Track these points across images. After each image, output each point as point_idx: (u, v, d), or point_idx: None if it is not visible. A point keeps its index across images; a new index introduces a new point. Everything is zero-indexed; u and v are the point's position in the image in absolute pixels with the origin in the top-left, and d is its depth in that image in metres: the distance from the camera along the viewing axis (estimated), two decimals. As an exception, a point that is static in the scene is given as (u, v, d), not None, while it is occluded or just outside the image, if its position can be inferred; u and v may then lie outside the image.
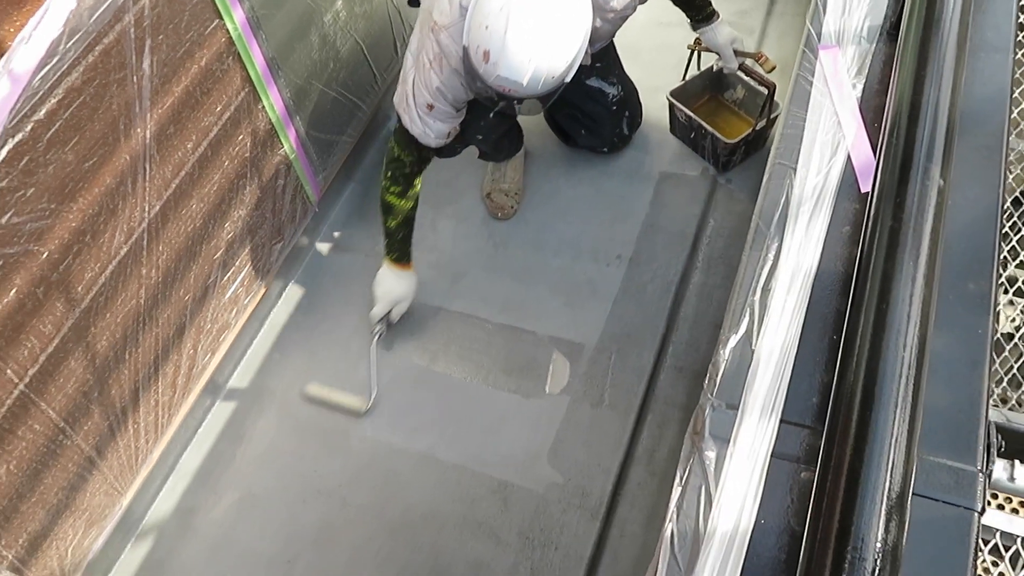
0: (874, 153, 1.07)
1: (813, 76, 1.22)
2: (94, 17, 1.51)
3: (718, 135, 2.42)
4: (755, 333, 1.00)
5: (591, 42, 1.86)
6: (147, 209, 1.77)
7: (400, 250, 2.20)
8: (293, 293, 2.45)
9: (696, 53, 2.51)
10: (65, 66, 1.48)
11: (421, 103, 1.95)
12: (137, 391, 1.89)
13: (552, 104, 2.45)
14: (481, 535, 2.03)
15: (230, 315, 2.19)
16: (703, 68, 2.55)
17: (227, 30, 1.86)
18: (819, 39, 1.28)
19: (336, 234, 2.56)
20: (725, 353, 0.98)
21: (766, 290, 1.03)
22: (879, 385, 0.72)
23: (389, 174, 2.08)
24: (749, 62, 2.45)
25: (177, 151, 1.82)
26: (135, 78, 1.65)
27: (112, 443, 1.86)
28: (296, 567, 2.03)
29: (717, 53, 2.44)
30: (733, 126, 2.60)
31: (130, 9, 1.59)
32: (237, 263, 2.14)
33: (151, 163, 1.75)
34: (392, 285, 2.23)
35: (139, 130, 1.70)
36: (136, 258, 1.78)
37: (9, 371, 1.54)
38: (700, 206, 2.52)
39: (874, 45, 1.25)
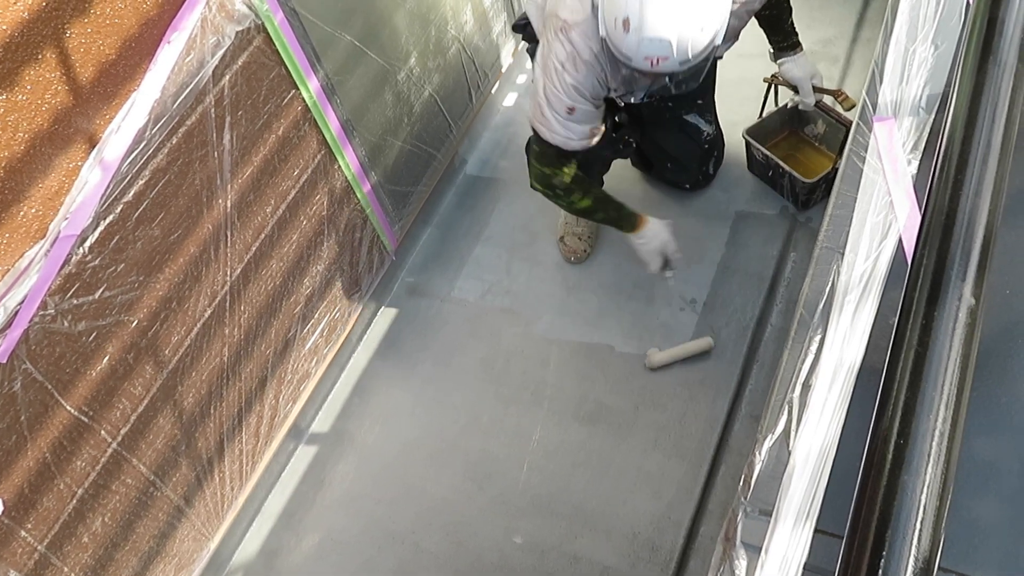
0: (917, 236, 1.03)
1: (866, 152, 1.19)
2: (177, 103, 1.62)
3: (796, 174, 2.36)
4: (793, 433, 0.97)
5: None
6: (229, 273, 1.88)
7: (620, 210, 2.19)
8: (372, 339, 2.53)
9: (773, 87, 2.46)
10: (151, 150, 1.60)
11: (560, 108, 1.94)
12: (222, 442, 2.01)
13: (644, 132, 2.45)
14: (550, 587, 2.05)
15: (310, 364, 2.28)
16: (780, 103, 2.49)
17: (303, 99, 1.95)
18: (875, 110, 1.23)
19: (412, 280, 2.64)
20: (761, 454, 0.96)
21: (806, 386, 1.01)
22: (899, 499, 0.69)
23: (562, 192, 2.09)
24: (828, 99, 2.38)
25: (257, 216, 1.92)
26: (216, 153, 1.76)
27: (199, 492, 1.98)
28: (371, 612, 2.10)
29: (795, 88, 2.38)
30: (814, 162, 2.52)
31: (210, 91, 1.70)
32: (316, 315, 2.24)
33: (232, 230, 1.86)
34: (649, 250, 2.23)
35: (220, 201, 1.81)
36: (219, 319, 1.89)
37: (103, 432, 1.67)
38: (778, 246, 2.46)
39: (932, 116, 1.20)
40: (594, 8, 1.82)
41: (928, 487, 0.68)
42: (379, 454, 2.33)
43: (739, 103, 2.64)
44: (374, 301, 2.52)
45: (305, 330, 2.21)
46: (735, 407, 2.23)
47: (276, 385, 2.16)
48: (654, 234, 2.22)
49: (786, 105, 2.47)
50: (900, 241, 1.07)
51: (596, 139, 2.06)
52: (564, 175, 2.08)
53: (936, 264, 0.80)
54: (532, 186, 2.18)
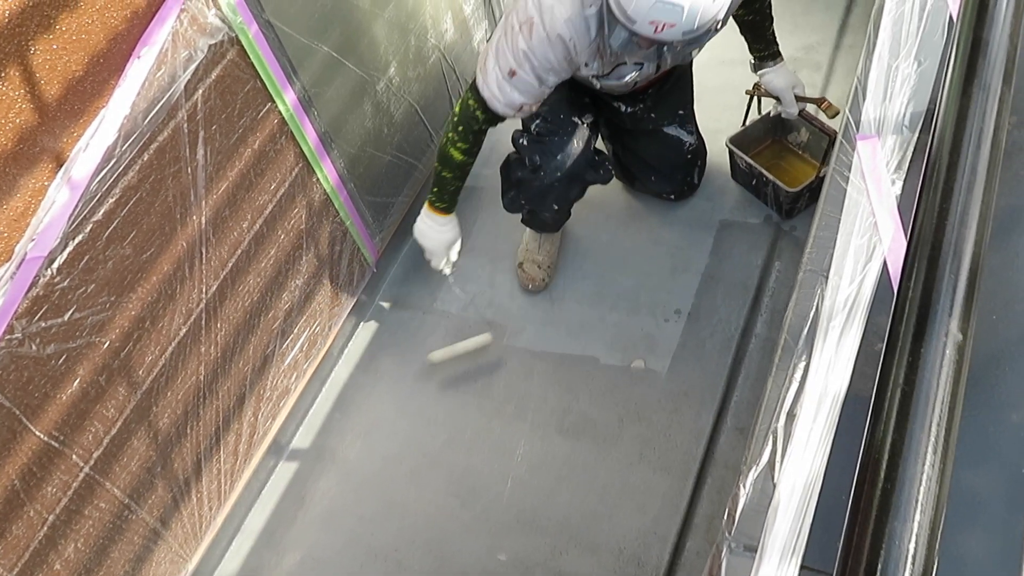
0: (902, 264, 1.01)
1: (850, 171, 1.17)
2: (148, 119, 1.58)
3: (779, 183, 2.34)
4: (778, 464, 0.95)
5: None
6: (204, 290, 1.84)
7: (450, 201, 2.19)
8: (353, 352, 2.50)
9: (756, 98, 2.44)
10: (122, 167, 1.56)
11: (504, 66, 1.88)
12: (200, 462, 1.97)
13: (625, 145, 2.42)
14: (535, 604, 2.02)
15: (290, 380, 2.25)
16: (763, 112, 2.48)
17: (279, 112, 1.91)
18: (858, 128, 1.21)
19: (394, 292, 2.60)
20: (745, 486, 0.94)
21: (791, 416, 0.99)
22: (887, 548, 0.67)
23: (460, 128, 2.02)
24: (811, 108, 2.37)
25: (233, 231, 1.89)
26: (190, 169, 1.72)
27: (176, 513, 1.94)
28: (353, 632, 2.06)
29: (777, 98, 2.36)
30: (798, 170, 2.51)
31: (183, 106, 1.66)
32: (296, 330, 2.20)
33: (207, 246, 1.82)
34: (439, 233, 2.23)
35: (195, 217, 1.77)
36: (195, 337, 1.85)
37: (75, 456, 1.63)
38: (763, 255, 2.44)
39: (916, 135, 1.18)
40: None
41: (916, 534, 0.66)
42: (361, 470, 2.30)
43: (721, 111, 2.62)
44: (355, 314, 2.49)
45: (284, 345, 2.18)
46: (720, 419, 2.21)
47: (255, 402, 2.12)
48: (439, 231, 2.22)
49: (769, 113, 2.45)
50: (885, 264, 1.05)
51: (520, 114, 2.01)
52: (479, 120, 2.01)
53: (922, 297, 0.78)
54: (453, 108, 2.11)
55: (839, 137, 1.23)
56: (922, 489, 0.66)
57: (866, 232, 1.09)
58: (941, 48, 1.24)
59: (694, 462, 2.15)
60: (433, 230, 2.23)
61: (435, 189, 2.17)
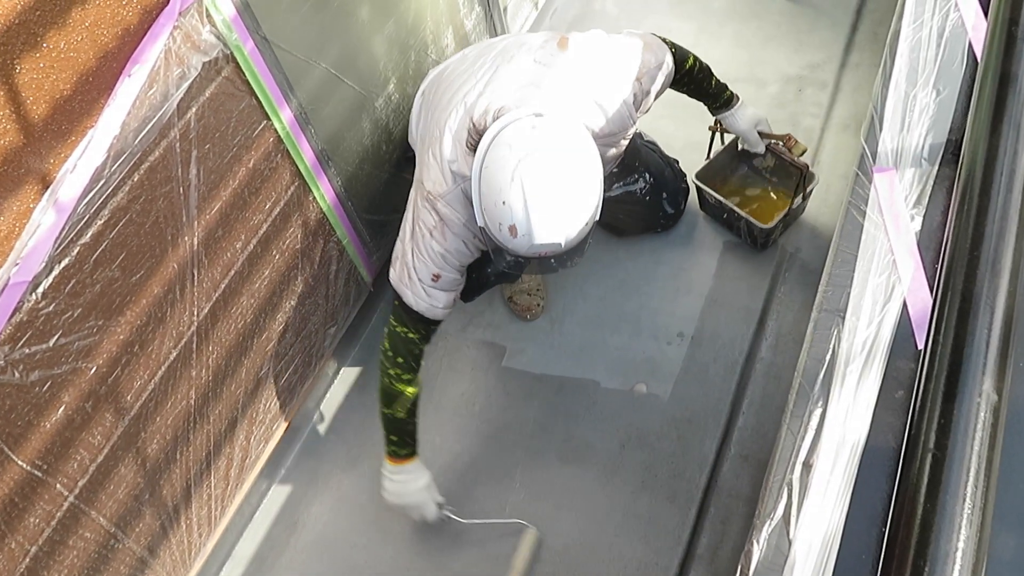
0: (932, 301, 0.96)
1: (866, 205, 1.12)
2: (139, 138, 1.53)
3: (752, 220, 2.29)
4: (793, 519, 0.90)
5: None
6: (196, 312, 1.79)
7: (413, 443, 1.97)
8: (348, 375, 2.45)
9: (718, 133, 2.38)
10: (111, 189, 1.51)
11: (425, 276, 1.84)
12: (189, 488, 1.91)
13: None
14: (533, 637, 1.96)
15: (284, 402, 2.19)
16: (727, 142, 2.40)
17: (275, 130, 1.87)
18: (874, 160, 1.17)
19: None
20: (759, 542, 0.89)
21: (807, 466, 0.94)
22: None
23: (400, 360, 1.88)
24: (777, 144, 2.32)
25: (226, 252, 1.84)
26: (182, 189, 1.67)
27: (165, 541, 1.88)
28: (346, 664, 2.01)
29: (740, 137, 2.32)
30: (767, 199, 2.45)
31: (176, 124, 1.61)
32: (290, 352, 2.15)
33: (199, 268, 1.77)
34: (416, 482, 1.98)
35: (187, 238, 1.72)
36: (186, 361, 1.80)
37: (59, 485, 1.57)
38: (767, 278, 2.40)
39: (936, 168, 1.13)
40: (455, 178, 1.77)
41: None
42: (355, 495, 2.24)
43: (683, 147, 2.54)
44: (351, 335, 2.43)
45: (278, 367, 2.12)
46: (724, 446, 2.16)
47: (247, 425, 2.07)
48: (417, 486, 1.97)
49: (734, 141, 2.40)
50: (904, 304, 1.00)
51: (450, 310, 1.93)
52: (416, 343, 1.90)
53: (952, 353, 0.73)
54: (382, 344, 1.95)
55: (855, 169, 1.19)
56: (958, 567, 0.61)
57: (884, 270, 1.04)
58: (960, 77, 1.19)
59: (697, 490, 2.10)
60: (408, 483, 1.97)
61: (393, 438, 1.94)
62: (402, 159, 2.36)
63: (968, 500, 0.63)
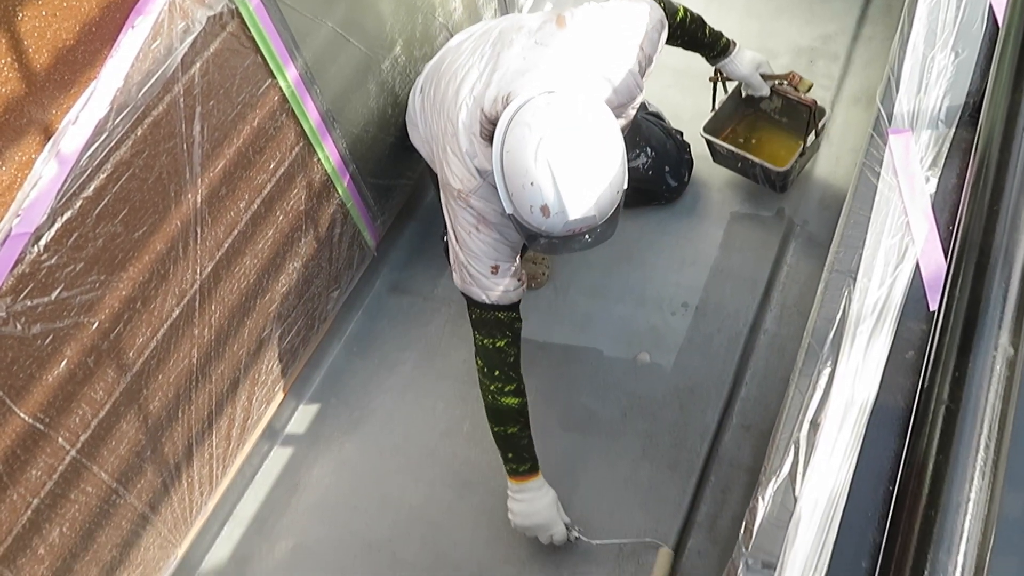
0: (946, 264, 0.95)
1: (881, 167, 1.10)
2: (143, 92, 1.51)
3: (768, 165, 2.26)
4: (799, 476, 0.90)
5: None
6: (199, 271, 1.78)
7: (532, 457, 1.90)
8: (351, 338, 2.44)
9: (720, 82, 2.35)
10: (114, 142, 1.49)
11: (485, 271, 1.80)
12: (191, 446, 1.91)
13: None
14: (531, 601, 1.97)
15: (286, 364, 2.19)
16: (730, 89, 2.36)
17: (280, 88, 1.85)
18: (889, 121, 1.15)
19: (394, 277, 2.54)
20: (764, 500, 0.89)
21: (815, 425, 0.93)
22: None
23: (497, 374, 1.82)
24: (782, 84, 2.28)
25: (229, 211, 1.82)
26: (185, 145, 1.66)
27: (166, 498, 1.89)
28: (345, 624, 2.02)
29: (744, 83, 2.28)
30: (778, 140, 2.41)
31: (180, 79, 1.59)
32: (293, 314, 2.14)
33: (203, 225, 1.76)
34: (542, 499, 1.90)
35: (190, 195, 1.70)
36: (188, 319, 1.79)
37: (61, 439, 1.57)
38: (773, 250, 2.38)
39: (953, 130, 1.11)
40: (480, 173, 1.73)
41: (963, 566, 0.60)
42: (356, 458, 2.25)
43: (685, 96, 2.51)
44: (354, 299, 2.43)
45: (281, 329, 2.12)
46: (726, 416, 2.16)
47: (249, 387, 2.07)
48: (545, 503, 1.90)
49: (737, 88, 2.36)
50: (917, 266, 0.99)
51: (522, 284, 1.88)
52: (508, 352, 1.85)
53: (968, 306, 0.72)
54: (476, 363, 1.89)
55: (869, 130, 1.17)
56: (968, 517, 0.60)
57: (897, 232, 1.03)
58: (980, 39, 1.17)
59: (698, 459, 2.10)
60: (534, 502, 1.89)
61: (509, 456, 1.89)
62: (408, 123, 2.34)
63: (981, 451, 0.62)
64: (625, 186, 1.65)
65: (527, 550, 2.03)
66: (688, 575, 1.96)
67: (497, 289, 1.82)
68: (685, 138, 2.47)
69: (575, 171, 1.55)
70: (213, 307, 1.85)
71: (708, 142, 2.36)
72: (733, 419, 2.15)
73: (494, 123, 1.67)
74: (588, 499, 2.08)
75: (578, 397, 2.23)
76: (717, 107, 2.36)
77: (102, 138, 1.46)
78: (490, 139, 1.68)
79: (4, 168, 1.33)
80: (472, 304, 1.86)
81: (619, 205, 1.65)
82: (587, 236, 1.65)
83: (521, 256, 2.29)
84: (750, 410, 2.16)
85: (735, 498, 2.04)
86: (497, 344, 1.84)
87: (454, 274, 1.90)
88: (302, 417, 2.33)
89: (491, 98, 1.72)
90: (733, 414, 2.16)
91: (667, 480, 2.08)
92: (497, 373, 1.83)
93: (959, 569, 0.59)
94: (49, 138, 1.39)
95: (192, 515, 2.00)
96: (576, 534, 1.94)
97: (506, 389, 1.84)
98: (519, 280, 1.87)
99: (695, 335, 2.28)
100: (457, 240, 1.83)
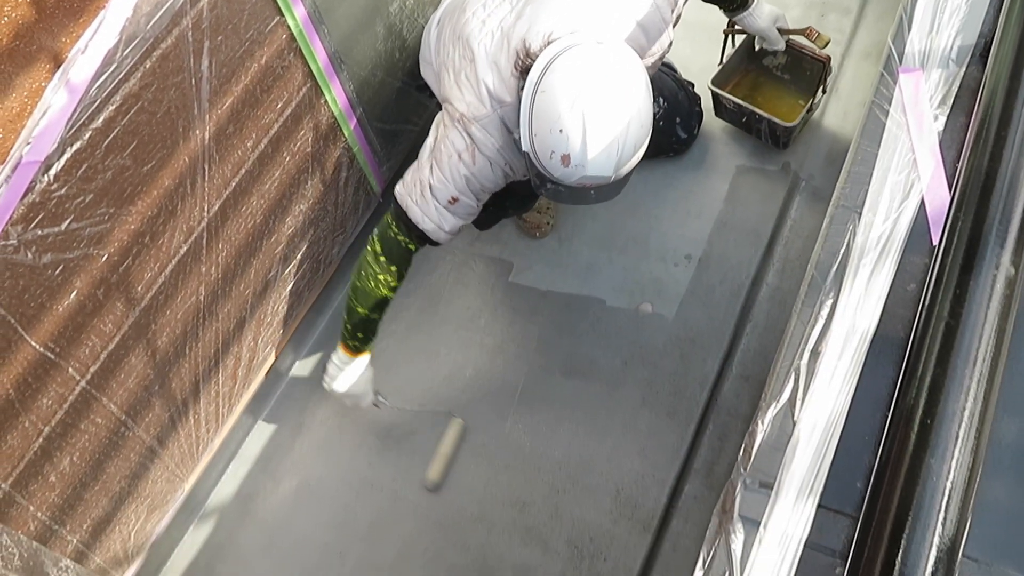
0: (951, 199, 0.96)
1: (890, 105, 1.10)
2: (151, 23, 1.51)
3: (775, 120, 2.26)
4: (799, 402, 0.92)
5: None
6: (206, 208, 1.79)
7: (374, 338, 1.99)
8: (355, 283, 2.45)
9: (732, 36, 2.33)
10: (123, 73, 1.49)
11: (443, 197, 1.79)
12: (198, 384, 1.94)
13: None
14: (530, 541, 2.02)
15: (291, 307, 2.21)
16: (737, 44, 2.36)
17: (288, 26, 1.83)
18: (900, 60, 1.15)
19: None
20: (764, 423, 0.91)
21: (815, 353, 0.95)
22: (923, 483, 0.63)
23: (394, 268, 1.85)
24: (798, 39, 2.27)
25: (237, 150, 1.83)
26: (193, 80, 1.65)
27: (173, 433, 1.92)
28: (347, 559, 2.07)
29: (759, 36, 2.27)
30: (781, 97, 2.41)
31: (188, 12, 1.58)
32: (299, 257, 2.15)
33: (210, 163, 1.76)
34: (363, 373, 2.02)
35: (198, 131, 1.71)
36: (196, 256, 1.81)
37: (71, 369, 1.60)
38: (778, 204, 2.38)
39: (963, 69, 1.11)
40: (493, 103, 1.71)
41: (955, 472, 0.63)
42: (360, 401, 2.28)
43: (694, 51, 2.50)
44: (359, 245, 2.43)
45: (287, 271, 2.13)
46: (726, 366, 2.18)
47: (255, 327, 2.09)
48: (362, 376, 2.01)
49: (746, 42, 2.35)
50: (922, 202, 1.00)
51: (455, 236, 1.90)
52: (410, 256, 1.88)
53: (972, 228, 0.73)
54: (370, 240, 1.91)
55: (880, 69, 1.17)
56: (963, 426, 0.62)
57: (904, 169, 1.04)
58: (995, -22, 1.16)
59: (697, 408, 2.13)
60: (357, 374, 2.00)
61: (359, 335, 1.94)
62: (415, 69, 2.32)
63: (979, 364, 0.64)
64: (645, 149, 1.64)
65: (528, 493, 2.07)
66: (685, 519, 2.00)
67: (436, 221, 1.82)
68: (694, 90, 2.45)
69: (607, 131, 1.55)
70: (220, 245, 1.86)
71: (714, 95, 2.36)
72: (733, 369, 2.17)
73: (533, 59, 1.64)
74: (588, 444, 2.11)
75: (579, 345, 2.26)
76: (724, 60, 2.35)
77: (111, 69, 1.46)
78: (524, 73, 1.65)
79: (15, 95, 1.33)
80: (399, 218, 1.84)
81: (631, 171, 1.65)
82: (592, 192, 1.65)
83: (524, 211, 2.30)
84: (750, 361, 2.18)
85: (732, 446, 2.07)
86: (409, 245, 1.85)
87: (400, 184, 1.87)
88: (307, 360, 2.36)
89: (531, 33, 1.68)
90: (733, 364, 2.18)
91: (666, 427, 2.11)
92: (395, 268, 1.86)
93: (951, 474, 0.61)
94: (59, 67, 1.38)
95: (199, 451, 2.03)
96: (380, 400, 2.13)
97: (392, 284, 1.88)
98: (458, 230, 1.88)
99: (697, 286, 2.30)
100: (433, 155, 1.81)
